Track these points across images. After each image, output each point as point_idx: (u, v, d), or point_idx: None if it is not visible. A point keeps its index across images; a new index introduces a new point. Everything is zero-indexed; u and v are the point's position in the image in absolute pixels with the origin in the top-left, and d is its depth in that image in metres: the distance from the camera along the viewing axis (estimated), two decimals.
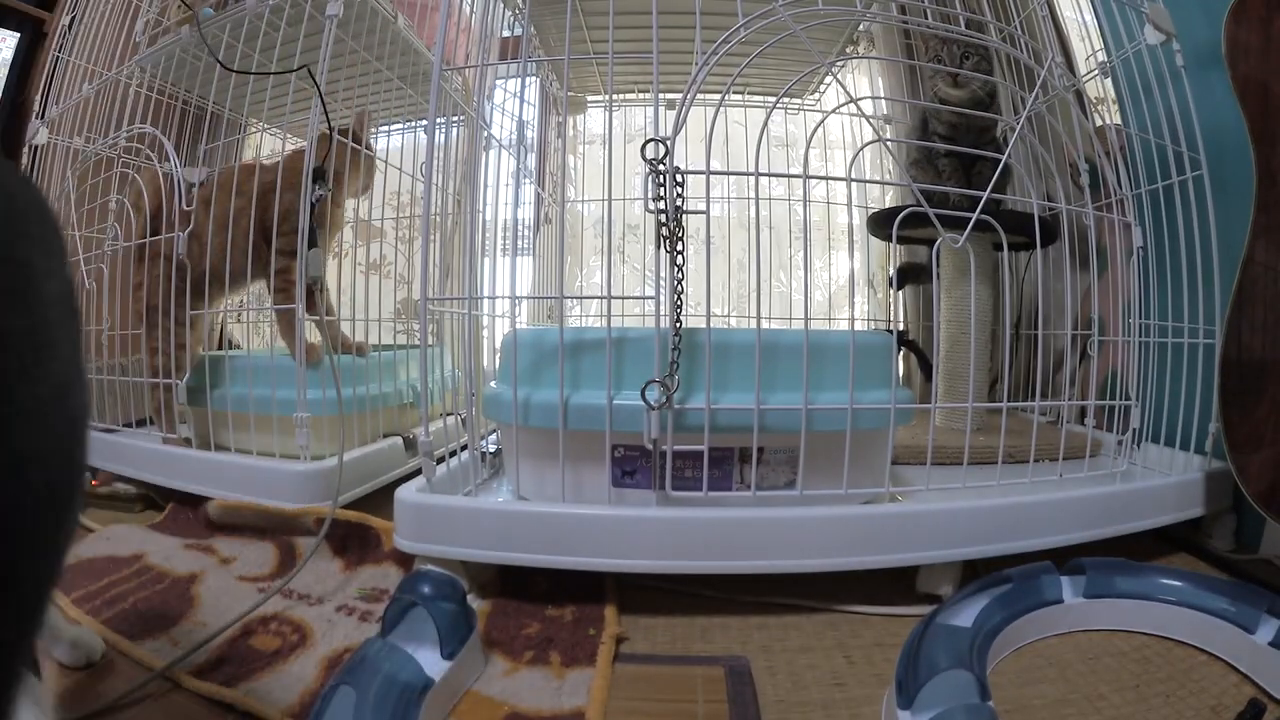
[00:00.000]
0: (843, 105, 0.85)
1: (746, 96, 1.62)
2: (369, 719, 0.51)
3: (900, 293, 1.65)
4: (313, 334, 1.09)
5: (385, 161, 1.45)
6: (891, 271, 1.58)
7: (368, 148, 1.24)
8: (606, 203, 0.93)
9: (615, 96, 1.02)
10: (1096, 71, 1.10)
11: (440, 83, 0.83)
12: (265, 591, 0.82)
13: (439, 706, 0.58)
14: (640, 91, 1.53)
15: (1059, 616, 0.73)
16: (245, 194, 1.08)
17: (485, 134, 1.06)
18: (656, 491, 0.77)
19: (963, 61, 1.09)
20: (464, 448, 0.93)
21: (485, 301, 1.21)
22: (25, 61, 1.69)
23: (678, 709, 0.61)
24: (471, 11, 1.06)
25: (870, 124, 1.25)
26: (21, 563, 0.27)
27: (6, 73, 1.67)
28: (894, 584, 0.84)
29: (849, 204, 0.86)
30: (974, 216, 0.81)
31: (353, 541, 0.93)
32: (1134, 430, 0.97)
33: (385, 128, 1.53)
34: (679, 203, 0.73)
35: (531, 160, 1.62)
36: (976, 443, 0.92)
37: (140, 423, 1.28)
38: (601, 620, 0.75)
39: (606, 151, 0.94)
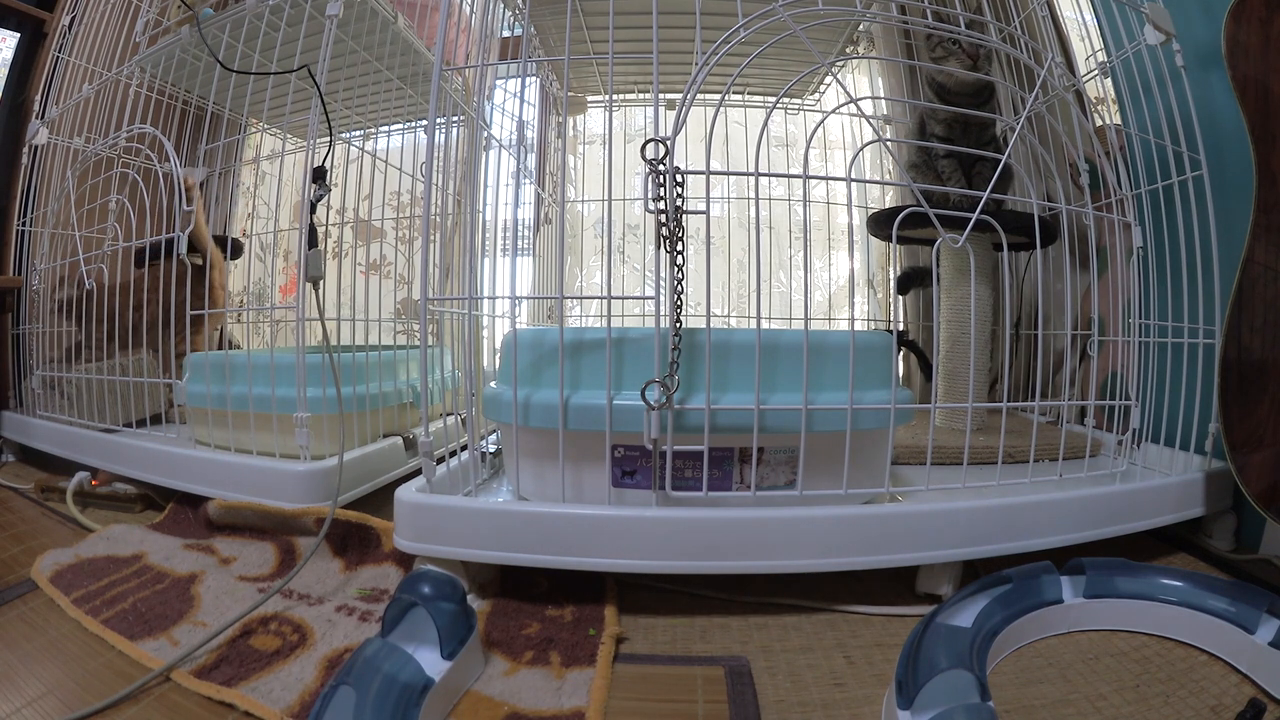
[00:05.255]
0: (843, 105, 0.85)
1: (746, 96, 1.62)
2: (369, 719, 0.51)
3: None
4: (313, 335, 1.09)
5: (385, 161, 1.45)
6: (892, 272, 1.58)
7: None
8: (606, 203, 0.94)
9: (615, 96, 1.02)
10: (1096, 71, 1.10)
11: (440, 83, 0.83)
12: (265, 591, 0.82)
13: (439, 706, 0.58)
14: (640, 91, 1.53)
15: (1059, 616, 0.73)
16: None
17: (485, 134, 1.06)
18: (656, 491, 0.77)
19: (978, 49, 1.08)
20: (464, 448, 0.93)
21: (485, 301, 1.21)
22: (25, 61, 1.69)
23: (678, 709, 0.61)
24: (471, 11, 1.06)
25: (870, 124, 1.25)
26: None
27: (6, 73, 1.66)
28: (894, 584, 0.84)
29: (849, 204, 0.86)
30: (974, 217, 0.81)
31: (353, 541, 0.93)
32: (1134, 430, 0.97)
33: (385, 128, 1.53)
34: (679, 203, 0.73)
35: (531, 160, 1.62)
36: (976, 443, 0.92)
37: (140, 423, 1.28)
38: (601, 620, 0.75)
39: (606, 151, 0.94)
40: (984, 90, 1.13)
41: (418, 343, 1.41)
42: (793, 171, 1.72)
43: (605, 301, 0.78)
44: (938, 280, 1.20)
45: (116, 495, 1.17)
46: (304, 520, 0.97)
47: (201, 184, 1.24)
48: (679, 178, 0.73)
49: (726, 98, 0.81)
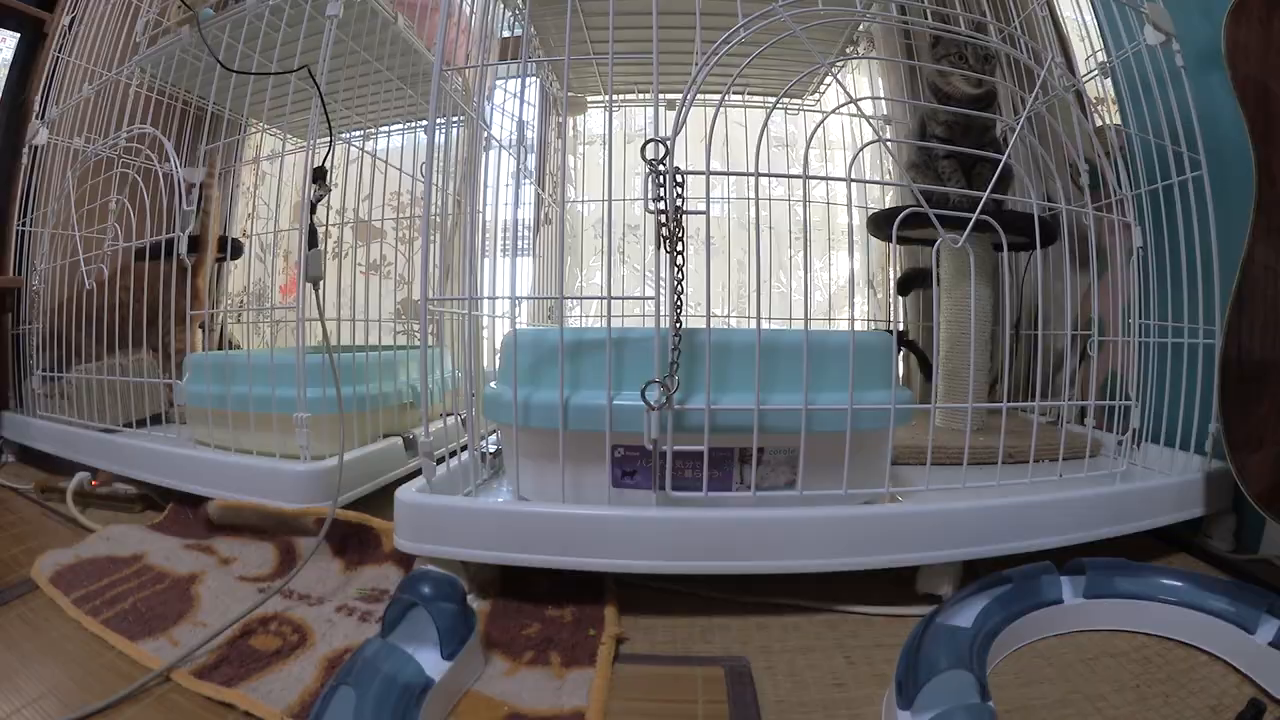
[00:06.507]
0: (843, 105, 0.85)
1: (746, 97, 1.62)
2: (369, 719, 0.51)
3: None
4: (313, 335, 1.09)
5: (385, 161, 1.45)
6: (892, 272, 1.58)
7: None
8: (606, 203, 0.93)
9: (615, 97, 1.02)
10: (1096, 71, 1.10)
11: (440, 83, 0.83)
12: (265, 591, 0.82)
13: (439, 707, 0.58)
14: (640, 92, 1.53)
15: (1059, 616, 0.73)
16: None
17: (485, 134, 1.06)
18: (656, 492, 0.77)
19: (986, 62, 1.09)
20: (464, 448, 0.93)
21: (485, 302, 1.21)
22: (25, 61, 1.69)
23: (678, 709, 0.61)
24: (471, 12, 1.06)
25: (870, 124, 1.25)
26: None
27: (6, 73, 1.66)
28: (894, 584, 0.84)
29: (849, 204, 0.86)
30: (974, 217, 0.81)
31: (353, 542, 0.93)
32: (1134, 430, 0.97)
33: (385, 128, 1.53)
34: (679, 203, 0.73)
35: (531, 160, 1.61)
36: (976, 443, 0.92)
37: (140, 423, 1.28)
38: (601, 620, 0.75)
39: (606, 151, 0.94)
40: (985, 97, 1.13)
41: (418, 343, 1.41)
42: (793, 172, 1.72)
43: (605, 302, 0.78)
44: (938, 281, 1.20)
45: (116, 495, 1.17)
46: (304, 520, 0.97)
47: (201, 184, 1.24)
48: (679, 178, 0.73)
49: (726, 98, 0.81)
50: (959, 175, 1.16)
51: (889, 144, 0.97)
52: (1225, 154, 0.97)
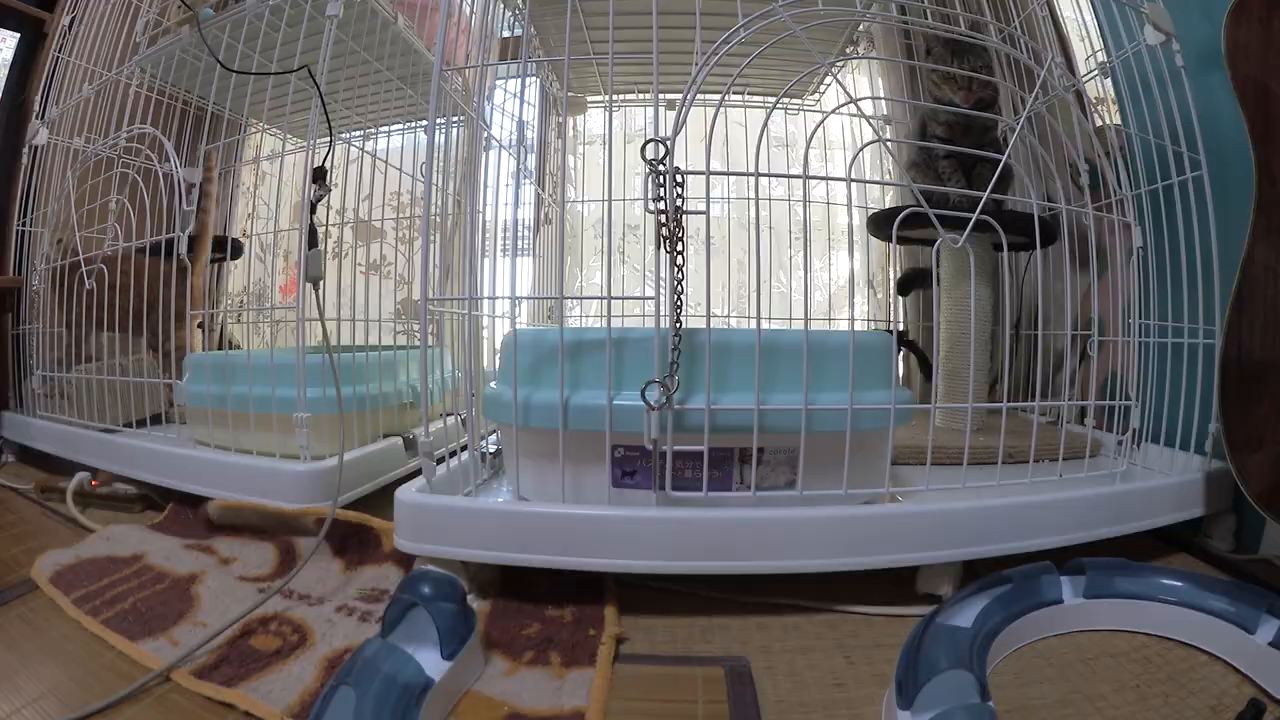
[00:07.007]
0: (843, 105, 0.85)
1: (746, 97, 1.62)
2: (369, 719, 0.51)
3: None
4: (313, 335, 1.09)
5: (385, 161, 1.45)
6: (892, 272, 1.58)
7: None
8: (606, 203, 0.93)
9: (615, 97, 1.02)
10: (1096, 71, 1.10)
11: (440, 83, 0.83)
12: (265, 591, 0.82)
13: (439, 707, 0.58)
14: (640, 92, 1.53)
15: (1059, 616, 0.73)
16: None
17: (485, 134, 1.06)
18: (656, 492, 0.77)
19: (976, 72, 1.09)
20: (464, 448, 0.93)
21: (485, 302, 1.21)
22: (25, 61, 1.69)
23: (678, 709, 0.61)
24: (471, 12, 1.06)
25: (870, 124, 1.25)
26: None
27: (6, 73, 1.66)
28: (894, 584, 0.84)
29: (849, 204, 0.86)
30: (974, 217, 0.81)
31: (353, 542, 0.93)
32: (1134, 430, 0.97)
33: (385, 128, 1.53)
34: (679, 203, 0.73)
35: (531, 160, 1.61)
36: (976, 443, 0.92)
37: (140, 423, 1.28)
38: (601, 620, 0.75)
39: (606, 151, 0.94)
40: (975, 108, 1.13)
41: (418, 343, 1.41)
42: (793, 171, 1.72)
43: (605, 302, 0.78)
44: (938, 281, 1.20)
45: (116, 495, 1.17)
46: (304, 520, 0.97)
47: (200, 184, 1.24)
48: (679, 178, 0.73)
49: (726, 98, 0.81)
50: (959, 175, 1.16)
51: (889, 144, 0.97)
52: (1225, 154, 0.97)
